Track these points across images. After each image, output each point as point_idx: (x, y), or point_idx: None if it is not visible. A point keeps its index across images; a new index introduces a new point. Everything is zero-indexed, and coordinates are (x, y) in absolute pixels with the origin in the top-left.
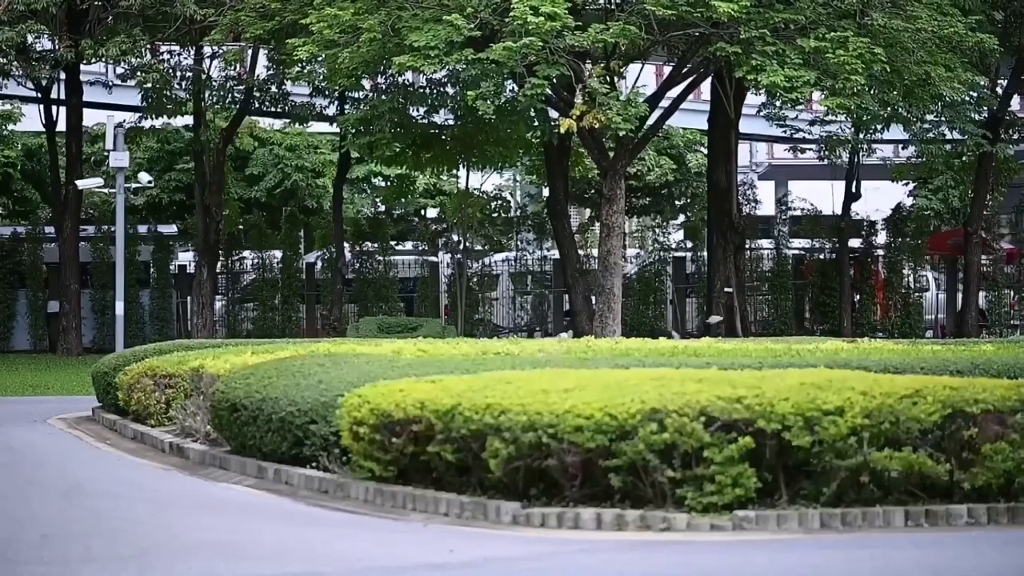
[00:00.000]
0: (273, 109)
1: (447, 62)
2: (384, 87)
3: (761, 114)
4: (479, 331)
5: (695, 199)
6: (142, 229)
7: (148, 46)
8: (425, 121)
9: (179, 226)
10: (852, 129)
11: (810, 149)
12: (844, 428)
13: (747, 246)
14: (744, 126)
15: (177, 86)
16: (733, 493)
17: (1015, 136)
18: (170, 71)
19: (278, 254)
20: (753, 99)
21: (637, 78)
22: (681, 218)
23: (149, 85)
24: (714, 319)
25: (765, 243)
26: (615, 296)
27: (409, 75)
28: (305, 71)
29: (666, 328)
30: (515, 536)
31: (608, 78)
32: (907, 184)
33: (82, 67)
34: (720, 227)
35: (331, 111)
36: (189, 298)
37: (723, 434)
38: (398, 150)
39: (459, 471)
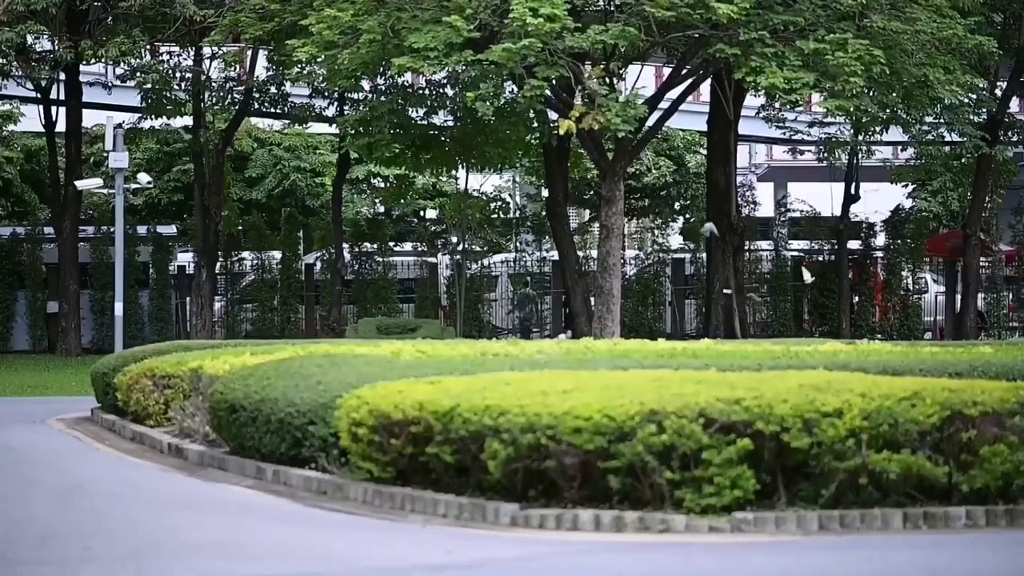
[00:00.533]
0: (273, 110)
1: (446, 63)
2: (383, 88)
3: (760, 116)
4: (478, 332)
5: (694, 200)
6: (141, 230)
7: (148, 47)
8: (424, 122)
9: (178, 227)
10: (851, 131)
11: (809, 151)
12: (843, 430)
13: (746, 247)
14: (743, 128)
15: (177, 87)
16: (731, 495)
17: (1014, 138)
18: (170, 72)
19: (277, 255)
20: (752, 101)
21: (636, 79)
22: (680, 220)
23: (149, 86)
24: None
25: (764, 245)
26: (614, 297)
27: (408, 76)
28: (304, 72)
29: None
30: (514, 537)
31: (607, 79)
32: (906, 186)
33: (82, 68)
34: (719, 228)
35: (330, 112)
36: (188, 299)
37: (722, 436)
38: (397, 151)
39: (458, 472)
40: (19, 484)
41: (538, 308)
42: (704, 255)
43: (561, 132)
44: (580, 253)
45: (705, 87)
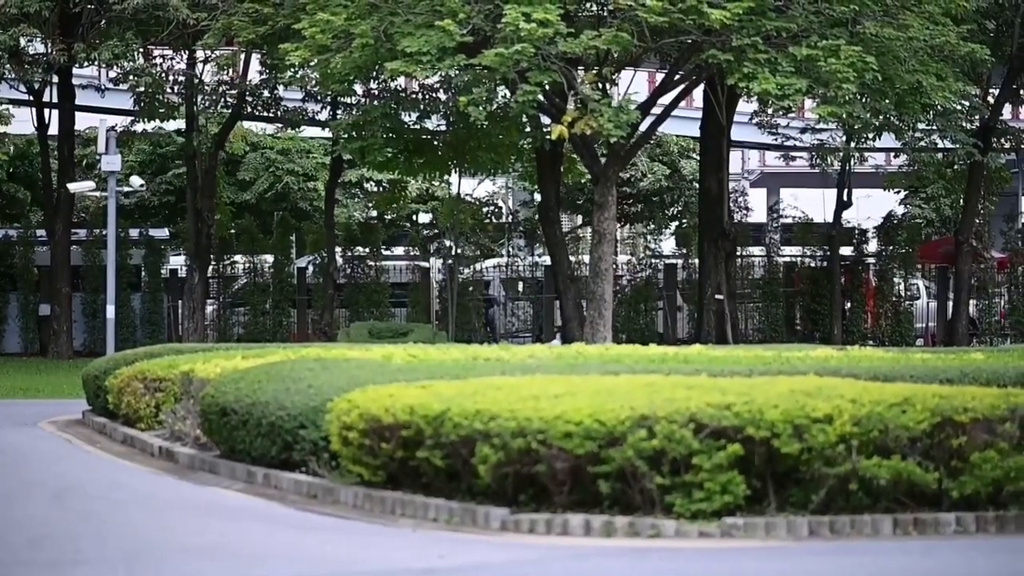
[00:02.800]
0: (265, 114)
1: (439, 68)
2: (376, 92)
3: (753, 121)
4: (470, 336)
5: (687, 206)
6: (134, 233)
7: (141, 50)
8: (417, 126)
9: (171, 230)
10: (843, 137)
11: (801, 157)
12: (833, 436)
13: (738, 253)
14: (736, 133)
15: (170, 90)
16: (722, 500)
17: (1006, 145)
18: (163, 75)
19: (269, 258)
20: (745, 106)
21: (629, 85)
22: (673, 226)
23: (142, 89)
24: None
25: (756, 251)
26: (606, 302)
27: (401, 80)
28: (297, 76)
29: None
30: (504, 542)
31: (600, 85)
32: (898, 192)
33: (74, 71)
34: (711, 234)
35: (323, 116)
36: (180, 302)
37: (712, 441)
38: (390, 155)
39: (448, 476)
40: (10, 486)
41: (500, 312)
42: (696, 261)
43: (554, 137)
44: (572, 258)
45: (698, 93)
